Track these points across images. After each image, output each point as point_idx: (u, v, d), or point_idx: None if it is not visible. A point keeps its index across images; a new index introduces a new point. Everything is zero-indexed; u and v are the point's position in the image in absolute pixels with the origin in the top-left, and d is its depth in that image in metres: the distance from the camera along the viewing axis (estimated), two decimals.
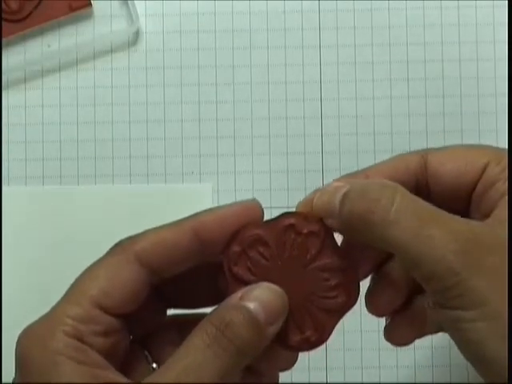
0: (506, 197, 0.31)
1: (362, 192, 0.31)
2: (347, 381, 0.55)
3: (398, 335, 0.37)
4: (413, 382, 0.55)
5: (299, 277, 0.33)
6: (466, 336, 0.29)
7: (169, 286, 0.35)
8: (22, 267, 0.55)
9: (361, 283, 0.35)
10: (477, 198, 0.32)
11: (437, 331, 0.37)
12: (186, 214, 0.56)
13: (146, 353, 0.35)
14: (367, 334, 0.55)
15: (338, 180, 0.34)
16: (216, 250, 0.33)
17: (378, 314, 0.37)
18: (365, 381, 0.56)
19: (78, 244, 0.55)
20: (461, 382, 0.55)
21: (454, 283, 0.29)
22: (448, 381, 0.55)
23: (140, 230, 0.53)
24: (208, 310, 0.33)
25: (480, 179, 0.32)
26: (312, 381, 0.55)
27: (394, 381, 0.55)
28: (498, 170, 0.32)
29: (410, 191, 0.33)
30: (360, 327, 0.55)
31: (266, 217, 0.56)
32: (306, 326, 0.33)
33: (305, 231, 0.33)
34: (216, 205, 0.56)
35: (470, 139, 0.57)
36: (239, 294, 0.32)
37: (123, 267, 0.32)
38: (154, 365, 0.35)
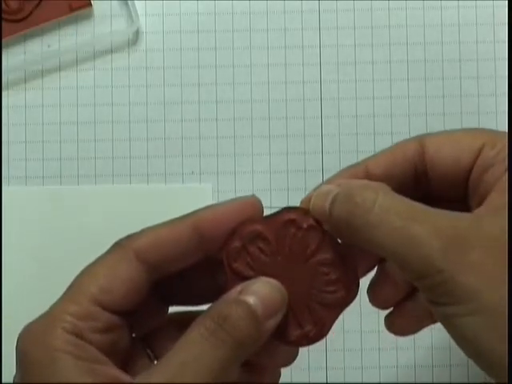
0: (501, 181, 0.31)
1: (347, 195, 0.31)
2: (347, 381, 0.55)
3: (399, 325, 0.37)
4: (413, 382, 0.55)
5: (299, 272, 0.33)
6: (460, 331, 0.29)
7: (169, 284, 0.35)
8: (22, 267, 0.55)
9: (361, 279, 0.35)
10: (473, 183, 0.32)
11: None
12: None
13: (149, 351, 0.35)
14: (367, 334, 0.55)
15: (335, 177, 0.34)
16: (216, 247, 0.33)
17: (381, 307, 0.37)
18: (365, 381, 0.55)
19: (78, 244, 0.55)
20: (461, 382, 0.55)
21: (441, 281, 0.29)
22: (448, 381, 0.55)
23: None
24: None
25: (475, 163, 0.32)
26: (312, 381, 0.55)
27: (394, 381, 0.55)
28: (493, 153, 0.32)
29: (410, 180, 0.34)
30: (360, 327, 0.55)
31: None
32: (305, 320, 0.33)
33: (305, 226, 0.33)
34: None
35: None
36: (238, 288, 0.32)
37: (122, 264, 0.32)
38: (156, 362, 0.35)
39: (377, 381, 0.55)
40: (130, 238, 0.33)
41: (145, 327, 0.35)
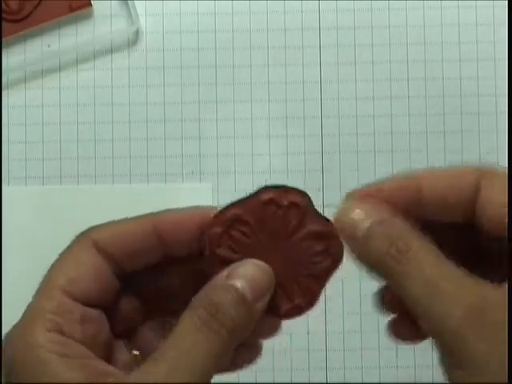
0: None
1: (388, 236, 0.31)
2: (347, 381, 0.55)
3: (404, 333, 0.37)
4: (413, 381, 0.55)
5: (284, 249, 0.34)
6: None
7: (149, 291, 0.35)
8: (21, 267, 0.55)
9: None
10: None
11: None
12: None
13: (126, 342, 0.35)
14: (367, 334, 0.55)
15: (387, 183, 0.33)
16: (174, 248, 0.34)
17: (403, 340, 0.37)
18: (365, 381, 0.56)
19: None
20: None
21: (455, 341, 0.29)
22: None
23: None
24: None
25: None
26: (312, 381, 0.55)
27: (394, 381, 0.55)
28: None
29: (458, 212, 0.33)
30: (360, 327, 0.55)
31: None
32: (294, 294, 0.34)
33: (285, 203, 0.34)
34: (216, 205, 0.56)
35: (470, 139, 0.57)
36: (225, 272, 0.32)
37: (83, 253, 0.33)
38: (135, 352, 0.35)
39: (377, 381, 0.55)
40: (90, 229, 0.34)
41: (126, 325, 0.35)
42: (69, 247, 0.34)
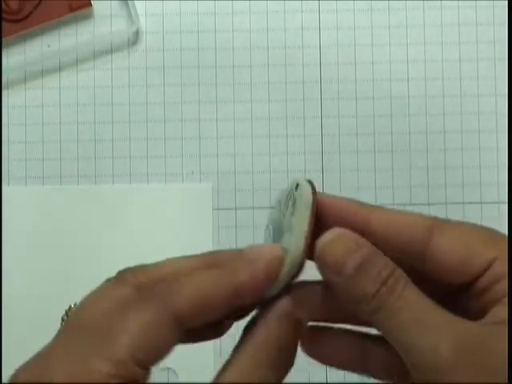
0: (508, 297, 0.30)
1: (379, 275, 0.31)
2: (347, 381, 0.55)
3: (322, 351, 0.37)
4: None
5: None
6: None
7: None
8: (21, 267, 0.55)
9: None
10: (478, 291, 0.32)
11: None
12: (186, 214, 0.56)
13: None
14: None
15: (341, 201, 0.33)
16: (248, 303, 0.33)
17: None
18: (364, 381, 0.55)
19: (78, 244, 0.55)
20: None
21: (439, 378, 0.29)
22: None
23: (140, 231, 0.53)
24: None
25: (485, 273, 0.31)
26: (312, 381, 0.55)
27: None
28: (505, 269, 0.31)
29: (405, 257, 0.33)
30: (360, 326, 0.55)
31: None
32: None
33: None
34: (216, 205, 0.56)
35: (470, 139, 0.57)
36: (288, 301, 0.32)
37: (161, 326, 0.30)
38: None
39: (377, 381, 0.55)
40: (168, 289, 0.31)
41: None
42: (138, 304, 0.30)
